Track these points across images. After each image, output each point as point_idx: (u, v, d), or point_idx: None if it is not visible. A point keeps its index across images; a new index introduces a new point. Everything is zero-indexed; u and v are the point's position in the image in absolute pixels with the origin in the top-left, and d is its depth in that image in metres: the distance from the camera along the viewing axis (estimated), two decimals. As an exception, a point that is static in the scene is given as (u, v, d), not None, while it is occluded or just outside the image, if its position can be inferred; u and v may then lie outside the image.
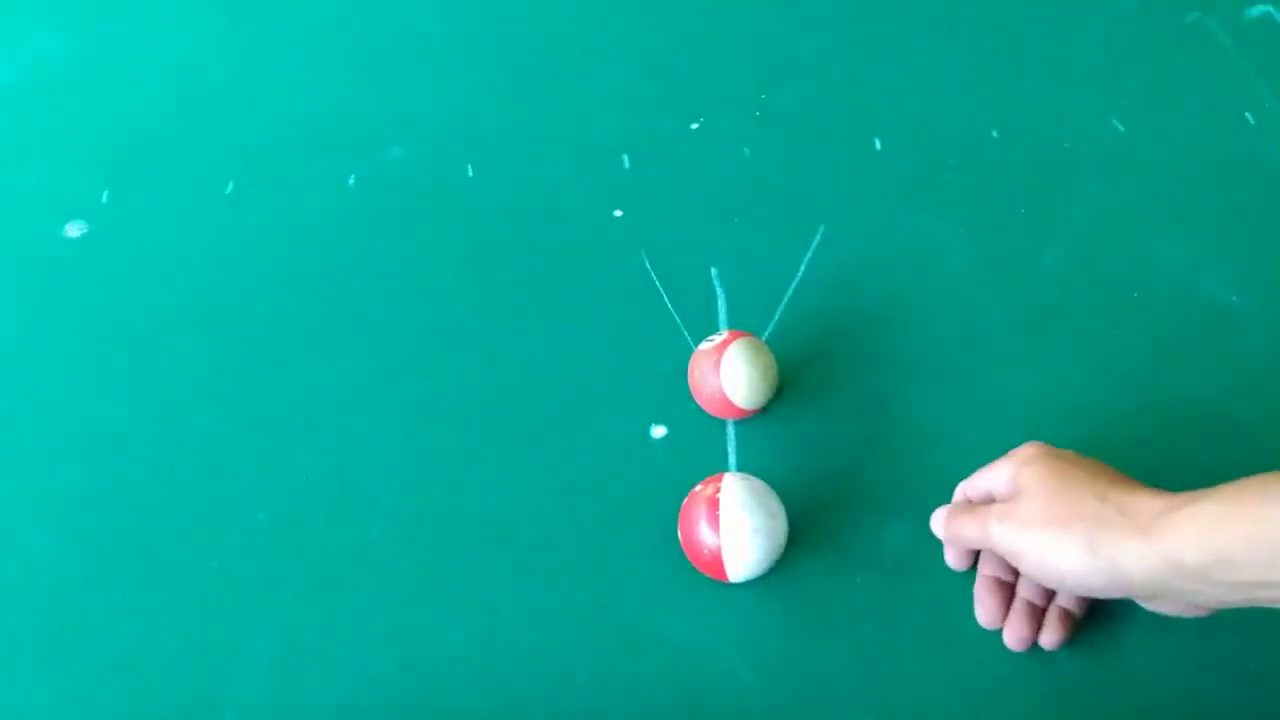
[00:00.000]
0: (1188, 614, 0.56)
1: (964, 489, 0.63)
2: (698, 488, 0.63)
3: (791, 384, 0.71)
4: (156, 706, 0.61)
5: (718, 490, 0.61)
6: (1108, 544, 0.51)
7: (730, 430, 0.69)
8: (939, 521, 0.62)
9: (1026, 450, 0.59)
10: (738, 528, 0.60)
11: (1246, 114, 0.85)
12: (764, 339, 0.71)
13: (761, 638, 0.61)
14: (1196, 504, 0.49)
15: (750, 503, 0.61)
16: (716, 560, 0.60)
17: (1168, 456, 0.63)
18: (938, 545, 0.63)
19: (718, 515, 0.60)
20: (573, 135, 0.86)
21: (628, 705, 0.60)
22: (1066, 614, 0.59)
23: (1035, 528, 0.54)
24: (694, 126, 0.86)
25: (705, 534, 0.60)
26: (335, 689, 0.61)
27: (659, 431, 0.70)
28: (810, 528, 0.64)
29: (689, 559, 0.62)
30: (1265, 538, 0.47)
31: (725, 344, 0.67)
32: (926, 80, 0.88)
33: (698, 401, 0.69)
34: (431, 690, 0.61)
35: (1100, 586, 0.53)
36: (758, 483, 0.62)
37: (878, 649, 0.61)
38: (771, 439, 0.68)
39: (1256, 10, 0.92)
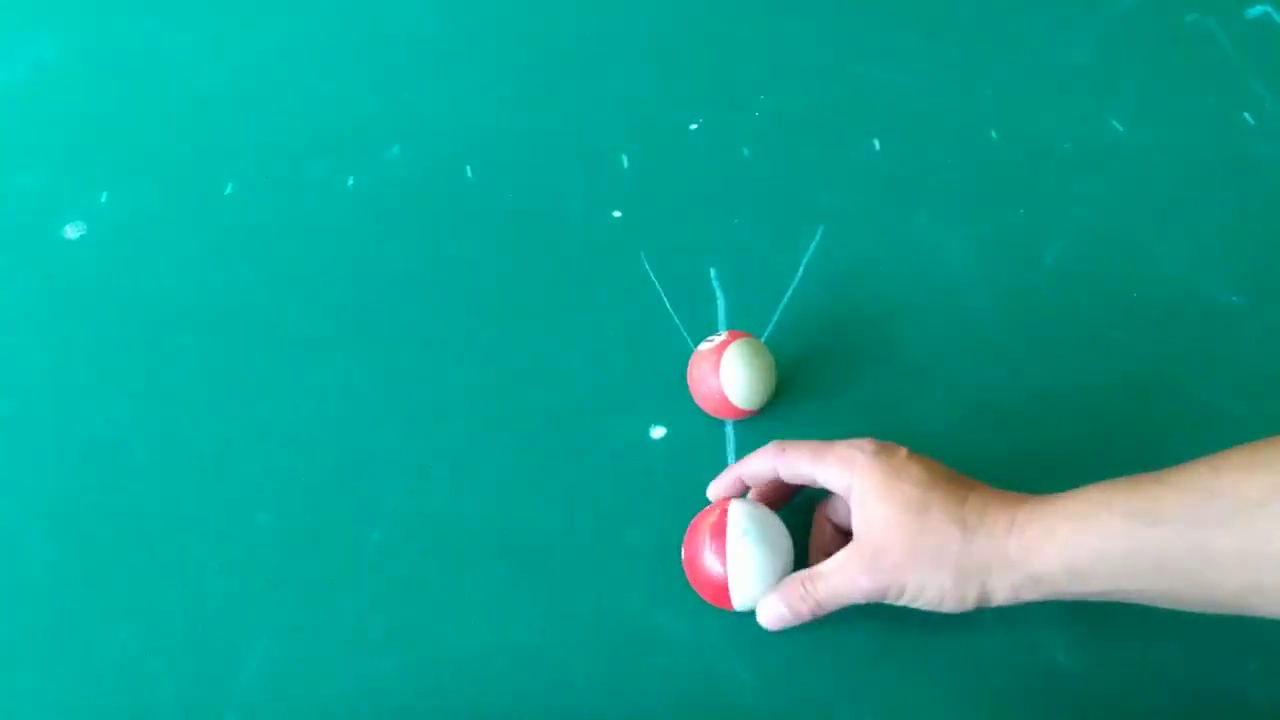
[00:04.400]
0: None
1: (773, 462, 0.60)
2: (699, 517, 0.62)
3: (791, 384, 0.71)
4: (156, 706, 0.61)
5: (723, 517, 0.60)
6: (976, 572, 0.53)
7: (730, 430, 0.69)
8: (769, 611, 0.59)
9: (863, 461, 0.57)
10: (745, 566, 0.59)
11: (1246, 114, 0.85)
12: (763, 339, 0.71)
13: (761, 637, 0.61)
14: (1048, 520, 0.52)
15: (756, 526, 0.60)
16: (722, 593, 0.60)
17: (1168, 457, 0.63)
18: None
19: (724, 547, 0.59)
20: (572, 135, 0.86)
21: (628, 705, 0.60)
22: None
23: (905, 570, 0.55)
24: (693, 127, 0.86)
25: (711, 564, 0.60)
26: (335, 689, 0.61)
27: (658, 432, 0.70)
28: (809, 527, 0.64)
29: (692, 585, 0.62)
30: (1111, 551, 0.50)
31: (724, 344, 0.67)
32: (926, 80, 0.88)
33: (697, 402, 0.69)
34: (431, 691, 0.61)
35: (970, 607, 0.55)
36: (764, 512, 0.61)
37: (878, 649, 0.61)
38: (771, 439, 0.68)
39: (1256, 10, 0.92)
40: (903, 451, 0.57)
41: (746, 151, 0.85)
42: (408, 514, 0.67)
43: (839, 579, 0.57)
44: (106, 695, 0.61)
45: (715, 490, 0.64)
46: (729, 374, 0.66)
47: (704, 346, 0.69)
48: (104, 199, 0.84)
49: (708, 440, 0.69)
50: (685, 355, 0.70)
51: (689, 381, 0.69)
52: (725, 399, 0.67)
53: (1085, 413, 0.69)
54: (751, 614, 0.61)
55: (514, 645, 0.62)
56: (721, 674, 0.60)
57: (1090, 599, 0.53)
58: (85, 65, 0.95)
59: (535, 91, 0.90)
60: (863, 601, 0.57)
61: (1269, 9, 0.91)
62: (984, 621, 0.61)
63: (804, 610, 0.58)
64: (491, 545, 0.66)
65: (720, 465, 0.67)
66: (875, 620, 0.62)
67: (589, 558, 0.65)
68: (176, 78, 0.93)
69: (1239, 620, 0.60)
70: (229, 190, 0.84)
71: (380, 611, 0.63)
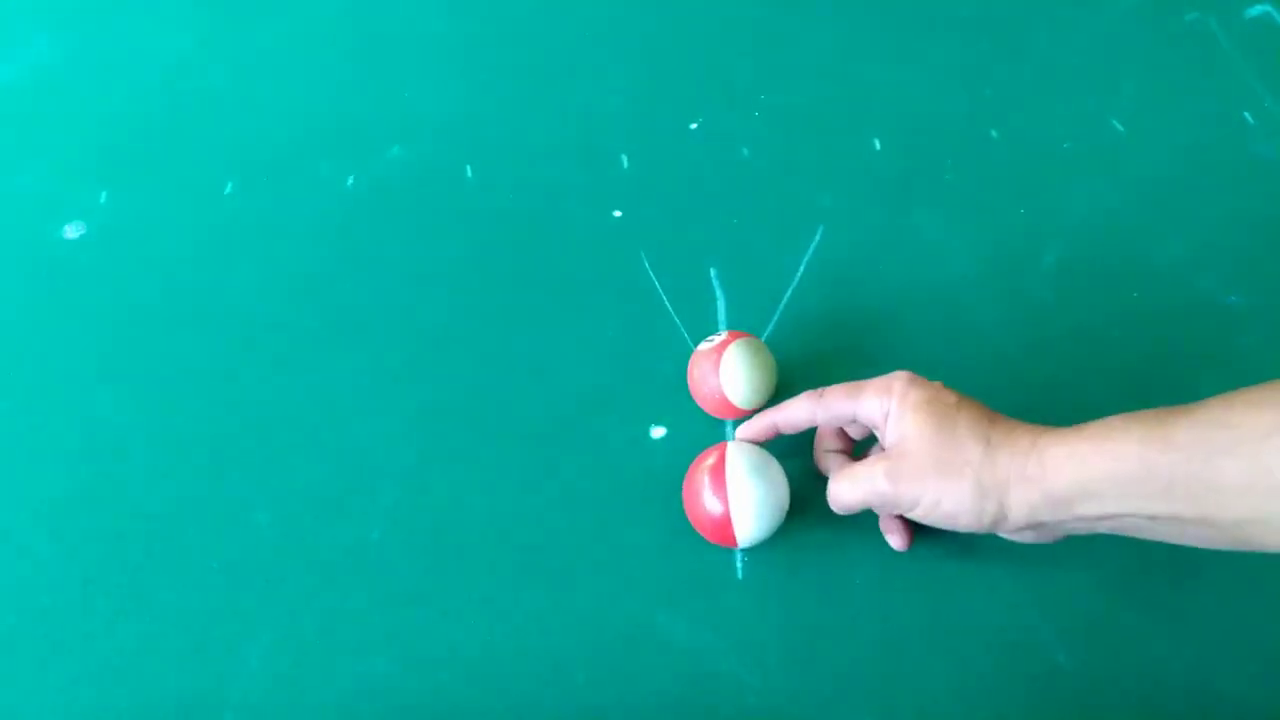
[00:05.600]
0: (1039, 541, 0.59)
1: (812, 408, 0.63)
2: (698, 459, 0.64)
3: (791, 384, 0.71)
4: (156, 706, 0.61)
5: (722, 458, 0.62)
6: (995, 488, 0.55)
7: (730, 430, 0.69)
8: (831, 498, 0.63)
9: (899, 386, 0.60)
10: (743, 491, 0.61)
11: (1246, 114, 0.85)
12: (764, 339, 0.71)
13: (761, 637, 0.61)
14: (1070, 443, 0.55)
15: (753, 465, 0.62)
16: (725, 529, 0.61)
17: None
18: (937, 546, 0.63)
19: (724, 481, 0.61)
20: (572, 135, 0.86)
21: (628, 705, 0.60)
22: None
23: (928, 478, 0.57)
24: (693, 127, 0.86)
25: (711, 501, 0.61)
26: (335, 689, 0.61)
27: (659, 432, 0.70)
28: (810, 527, 0.64)
29: (695, 528, 0.63)
30: (1124, 473, 0.52)
31: (725, 344, 0.67)
32: (926, 80, 0.89)
33: (697, 402, 0.69)
34: (431, 690, 0.61)
35: (987, 525, 0.57)
36: (761, 451, 0.63)
37: (878, 648, 0.61)
38: (770, 440, 0.68)
39: (1256, 10, 0.92)
40: (937, 383, 0.60)
41: (746, 151, 0.85)
42: (408, 514, 0.67)
43: (863, 477, 0.59)
44: (106, 695, 0.61)
45: (747, 434, 0.65)
46: (729, 374, 0.66)
47: (704, 346, 0.69)
48: (104, 199, 0.84)
49: (708, 440, 0.69)
50: (685, 355, 0.70)
51: (689, 381, 0.69)
52: (725, 399, 0.67)
53: (1085, 412, 0.68)
54: (751, 615, 0.61)
55: (514, 645, 0.62)
56: (721, 674, 0.60)
57: (1102, 529, 0.55)
58: (85, 65, 0.95)
59: (535, 91, 0.90)
60: (891, 505, 0.59)
61: (1269, 9, 0.91)
62: (984, 621, 0.61)
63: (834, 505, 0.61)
64: (491, 545, 0.66)
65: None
66: (875, 619, 0.62)
67: (589, 558, 0.65)
68: (176, 78, 0.93)
69: (1239, 621, 0.61)
70: (229, 190, 0.84)
71: (380, 611, 0.63)
